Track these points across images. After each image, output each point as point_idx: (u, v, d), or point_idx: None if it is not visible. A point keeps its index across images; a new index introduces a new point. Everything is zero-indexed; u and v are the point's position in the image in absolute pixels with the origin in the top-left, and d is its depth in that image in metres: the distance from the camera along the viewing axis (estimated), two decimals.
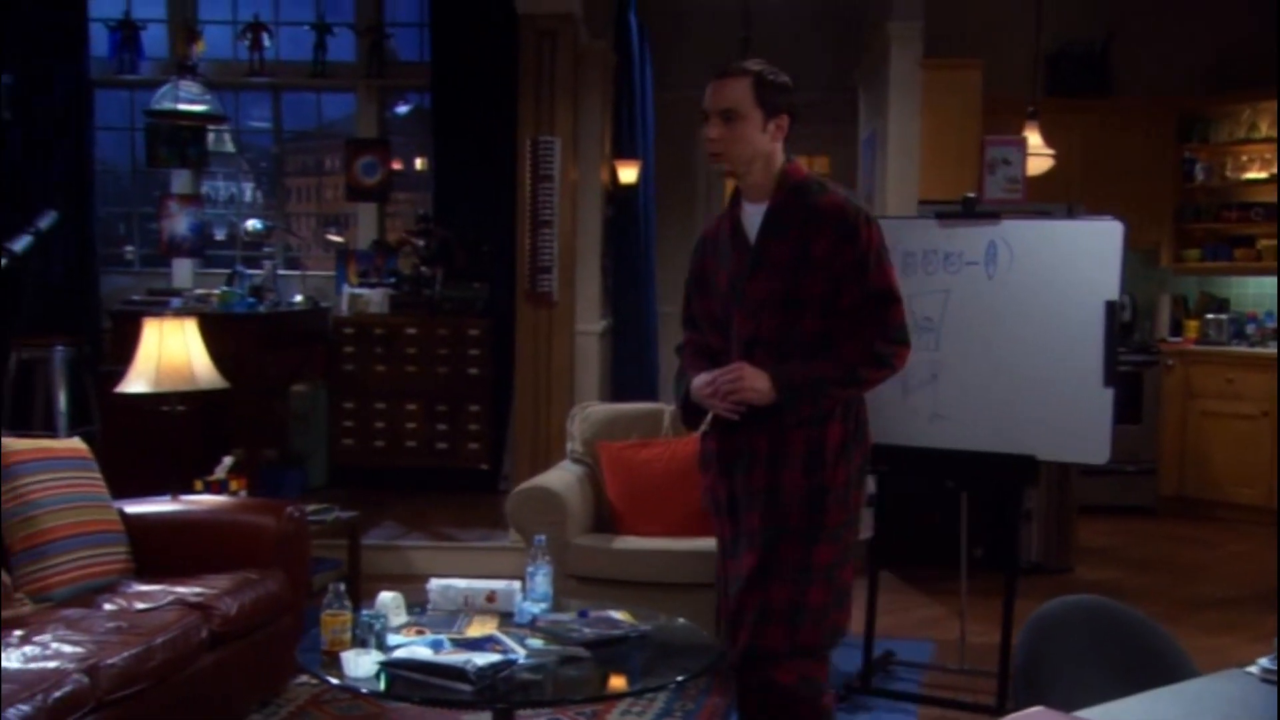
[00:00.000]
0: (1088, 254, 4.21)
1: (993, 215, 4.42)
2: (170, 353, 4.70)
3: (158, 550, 4.22)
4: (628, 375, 7.72)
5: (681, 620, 3.71)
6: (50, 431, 6.35)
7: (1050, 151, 6.93)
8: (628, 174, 7.56)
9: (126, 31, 8.15)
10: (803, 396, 3.12)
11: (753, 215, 3.24)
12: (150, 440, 5.66)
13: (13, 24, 7.54)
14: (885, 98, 6.99)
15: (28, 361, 6.84)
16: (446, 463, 7.43)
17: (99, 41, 8.08)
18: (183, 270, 8.11)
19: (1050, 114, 7.27)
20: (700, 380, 3.21)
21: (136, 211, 8.45)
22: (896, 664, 4.84)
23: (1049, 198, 6.58)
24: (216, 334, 5.57)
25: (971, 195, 4.53)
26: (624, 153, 7.58)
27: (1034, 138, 6.83)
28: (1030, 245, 4.30)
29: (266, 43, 8.12)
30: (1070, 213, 5.87)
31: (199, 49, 7.81)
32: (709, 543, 4.80)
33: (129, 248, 8.50)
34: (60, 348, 6.75)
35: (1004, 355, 4.28)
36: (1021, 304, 4.28)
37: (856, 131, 8.37)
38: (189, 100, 7.19)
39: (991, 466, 4.29)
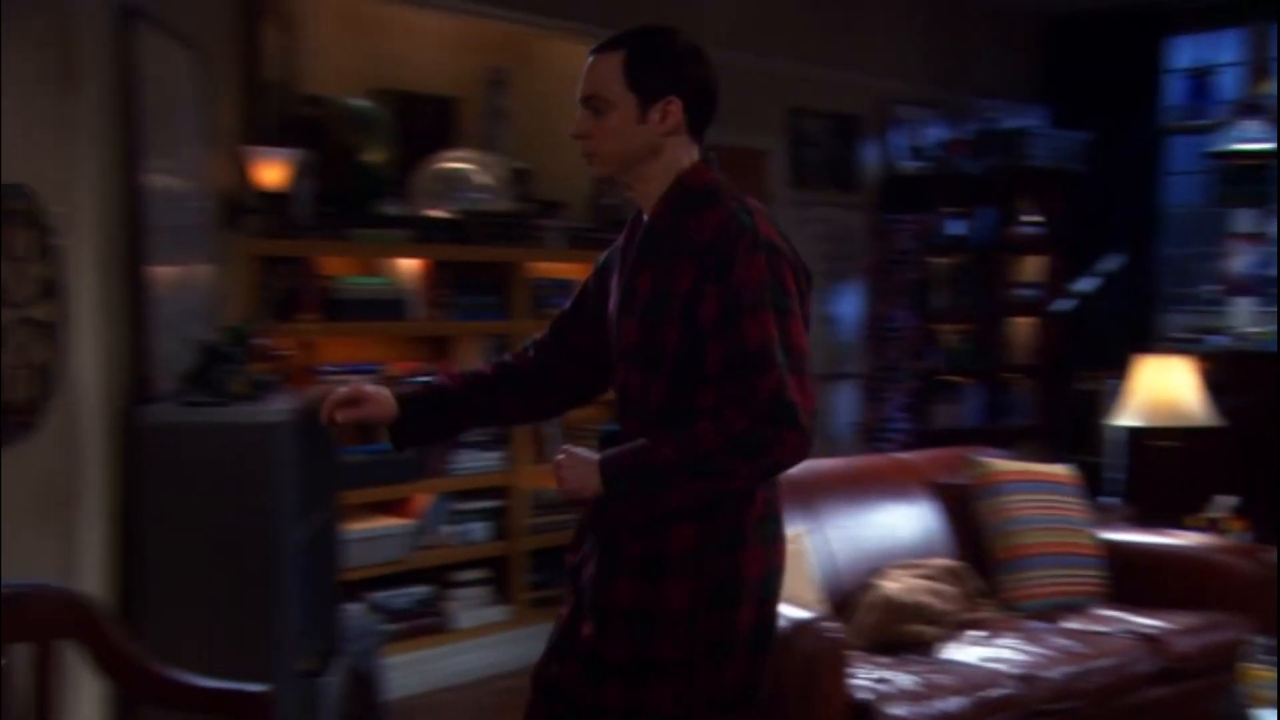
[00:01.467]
0: None
1: None
2: (1161, 389, 4.57)
3: (1128, 578, 4.16)
4: None
5: None
6: (1095, 457, 6.49)
7: None
8: None
9: (1201, 78, 8.01)
10: (634, 489, 2.12)
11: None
12: (1173, 472, 5.52)
13: (1094, 85, 7.89)
14: None
15: (1083, 393, 7.11)
16: None
17: (1173, 90, 8.04)
18: (1241, 308, 7.71)
19: None
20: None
21: (1203, 251, 8.22)
22: None
23: None
24: (1237, 373, 5.27)
25: None
26: None
27: None
28: None
29: None
30: None
31: (1269, 88, 7.39)
32: None
33: (1203, 286, 8.28)
34: (1111, 380, 6.89)
35: None
36: None
37: None
38: (1248, 140, 6.97)
39: None
